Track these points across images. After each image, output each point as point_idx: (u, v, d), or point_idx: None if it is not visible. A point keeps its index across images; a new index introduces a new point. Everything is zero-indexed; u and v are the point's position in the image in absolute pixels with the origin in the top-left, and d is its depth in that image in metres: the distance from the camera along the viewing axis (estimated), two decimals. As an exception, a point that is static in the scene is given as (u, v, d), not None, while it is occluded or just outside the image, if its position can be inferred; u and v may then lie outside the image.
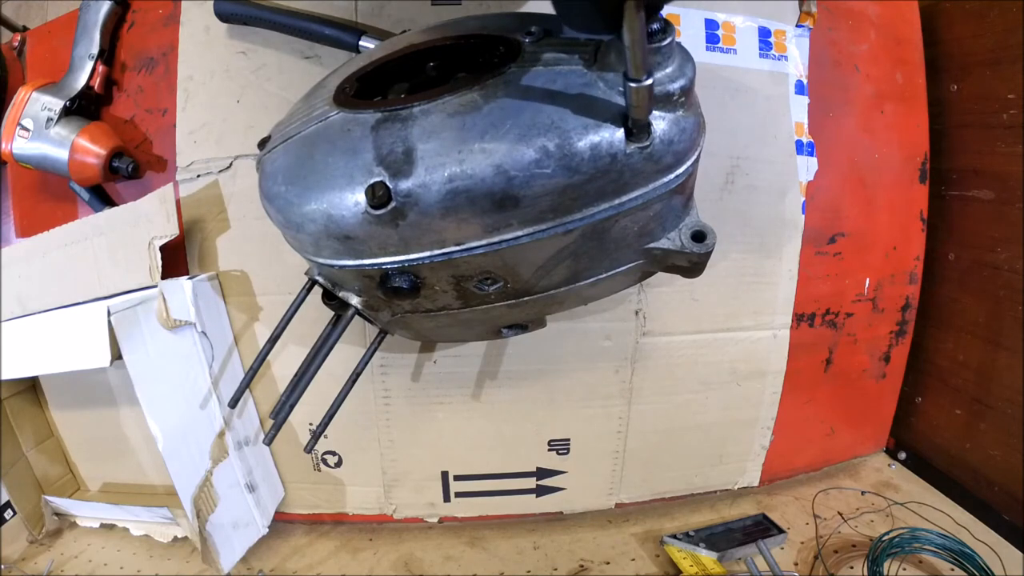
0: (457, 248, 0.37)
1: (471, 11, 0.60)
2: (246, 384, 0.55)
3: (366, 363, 0.55)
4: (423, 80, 0.41)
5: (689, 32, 0.63)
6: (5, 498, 0.70)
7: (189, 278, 0.62)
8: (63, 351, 0.59)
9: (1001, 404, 0.71)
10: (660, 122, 0.34)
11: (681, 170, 0.37)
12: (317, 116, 0.38)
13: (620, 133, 0.33)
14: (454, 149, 0.33)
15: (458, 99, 0.34)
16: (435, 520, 0.76)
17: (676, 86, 0.33)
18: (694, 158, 0.37)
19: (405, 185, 0.34)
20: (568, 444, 0.72)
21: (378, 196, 0.34)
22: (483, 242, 0.36)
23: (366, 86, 0.41)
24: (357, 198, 0.35)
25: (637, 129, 0.33)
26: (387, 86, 0.41)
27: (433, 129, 0.34)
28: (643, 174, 0.35)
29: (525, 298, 0.44)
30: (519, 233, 0.36)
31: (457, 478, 0.73)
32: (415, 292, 0.41)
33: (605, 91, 0.33)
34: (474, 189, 0.33)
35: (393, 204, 0.34)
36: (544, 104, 0.33)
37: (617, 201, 0.36)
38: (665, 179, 0.36)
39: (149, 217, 0.59)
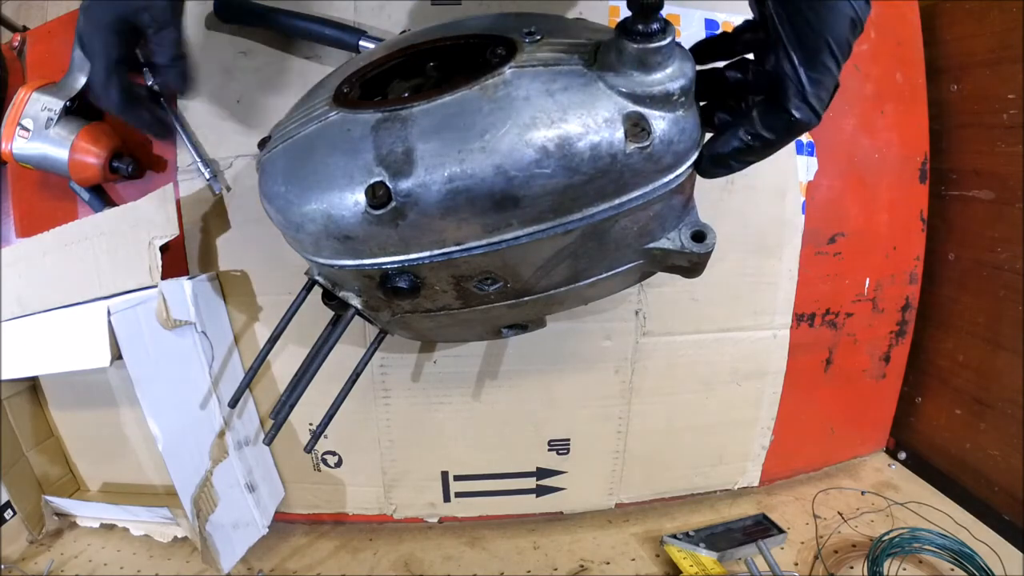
0: (457, 248, 0.37)
1: (471, 11, 0.60)
2: (246, 384, 0.55)
3: (366, 363, 0.55)
4: (423, 80, 0.41)
5: (689, 32, 0.63)
6: (5, 498, 0.70)
7: (189, 278, 0.62)
8: (63, 351, 0.59)
9: (1001, 404, 0.71)
10: (660, 122, 0.34)
11: (681, 170, 0.37)
12: (317, 116, 0.38)
13: (620, 133, 0.33)
14: (454, 149, 0.33)
15: (458, 99, 0.34)
16: (435, 520, 0.76)
17: (676, 86, 0.33)
18: (694, 158, 0.37)
19: (405, 185, 0.34)
20: (568, 444, 0.72)
21: (378, 196, 0.34)
22: (483, 242, 0.36)
23: (366, 86, 0.41)
24: (357, 198, 0.35)
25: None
26: (387, 86, 0.41)
27: (433, 129, 0.34)
28: (643, 174, 0.35)
29: (525, 298, 0.44)
30: (519, 233, 0.36)
31: (457, 478, 0.73)
32: (415, 292, 0.41)
33: (605, 91, 0.33)
34: (474, 189, 0.33)
35: (393, 204, 0.34)
36: (544, 104, 0.33)
37: (617, 201, 0.36)
38: (665, 179, 0.36)
39: (149, 217, 0.59)
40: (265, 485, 0.70)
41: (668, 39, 0.32)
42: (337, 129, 0.37)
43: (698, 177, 0.40)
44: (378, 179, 0.34)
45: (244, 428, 0.68)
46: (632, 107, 0.33)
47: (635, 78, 0.33)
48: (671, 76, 0.33)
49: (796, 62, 0.31)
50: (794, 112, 0.32)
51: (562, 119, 0.33)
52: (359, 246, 0.37)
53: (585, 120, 0.33)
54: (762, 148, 0.35)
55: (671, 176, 0.36)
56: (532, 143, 0.32)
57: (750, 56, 0.37)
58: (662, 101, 0.33)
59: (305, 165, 0.37)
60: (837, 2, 0.30)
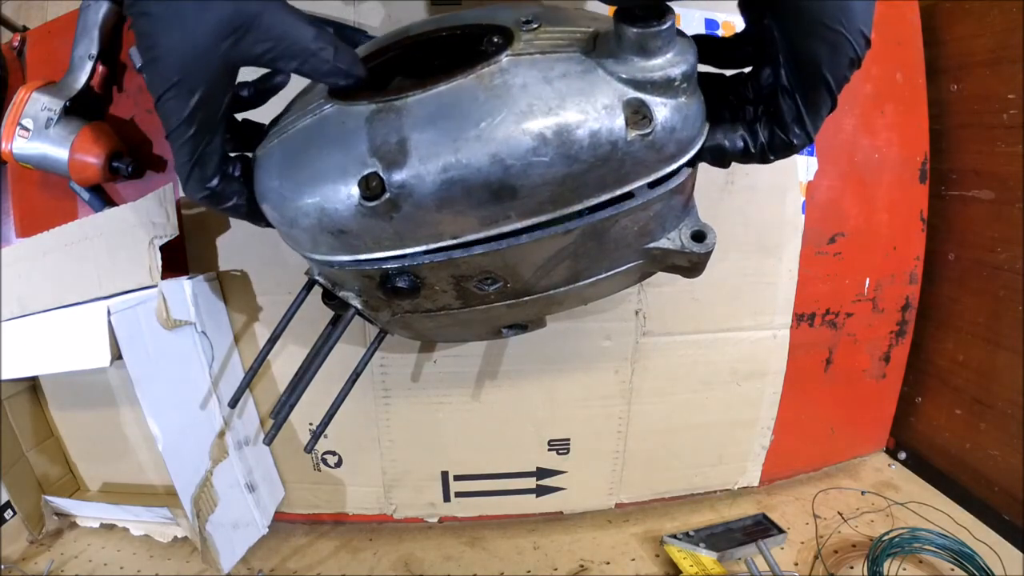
0: (454, 242, 0.36)
1: (471, 11, 0.60)
2: (246, 384, 0.55)
3: (366, 363, 0.55)
4: (419, 71, 0.40)
5: (689, 32, 0.63)
6: (5, 498, 0.70)
7: (189, 278, 0.62)
8: (63, 351, 0.59)
9: (1001, 404, 0.71)
10: (662, 108, 0.33)
11: (685, 159, 0.36)
12: (312, 110, 0.37)
13: (620, 120, 0.32)
14: (449, 138, 0.32)
15: (453, 88, 0.34)
16: (435, 520, 0.76)
17: (678, 71, 0.33)
18: (699, 147, 0.37)
19: (399, 176, 0.33)
20: (568, 444, 0.72)
21: (371, 187, 0.33)
22: (480, 235, 0.36)
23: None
24: (351, 190, 0.34)
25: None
26: (384, 78, 0.41)
27: (428, 119, 0.33)
28: (645, 163, 0.34)
29: (525, 298, 0.43)
30: (517, 226, 0.35)
31: (457, 478, 0.73)
32: (415, 292, 0.41)
33: (604, 77, 0.33)
34: (470, 179, 0.32)
35: (387, 195, 0.33)
36: (541, 91, 0.32)
37: (618, 192, 0.35)
38: (668, 169, 0.36)
39: (149, 217, 0.59)
40: (265, 485, 0.70)
41: (668, 23, 0.32)
42: (331, 122, 0.36)
43: (698, 177, 0.40)
44: (371, 170, 0.33)
45: (244, 428, 0.68)
46: (633, 93, 0.33)
47: (635, 64, 0.32)
48: (672, 61, 0.33)
49: (796, 98, 0.34)
50: (793, 139, 0.35)
51: (560, 106, 0.32)
52: (354, 240, 0.37)
53: (584, 107, 0.32)
54: (759, 159, 0.38)
55: (675, 166, 0.36)
56: (529, 131, 0.32)
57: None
58: (663, 87, 0.33)
59: (299, 159, 0.37)
60: (839, 43, 0.31)
